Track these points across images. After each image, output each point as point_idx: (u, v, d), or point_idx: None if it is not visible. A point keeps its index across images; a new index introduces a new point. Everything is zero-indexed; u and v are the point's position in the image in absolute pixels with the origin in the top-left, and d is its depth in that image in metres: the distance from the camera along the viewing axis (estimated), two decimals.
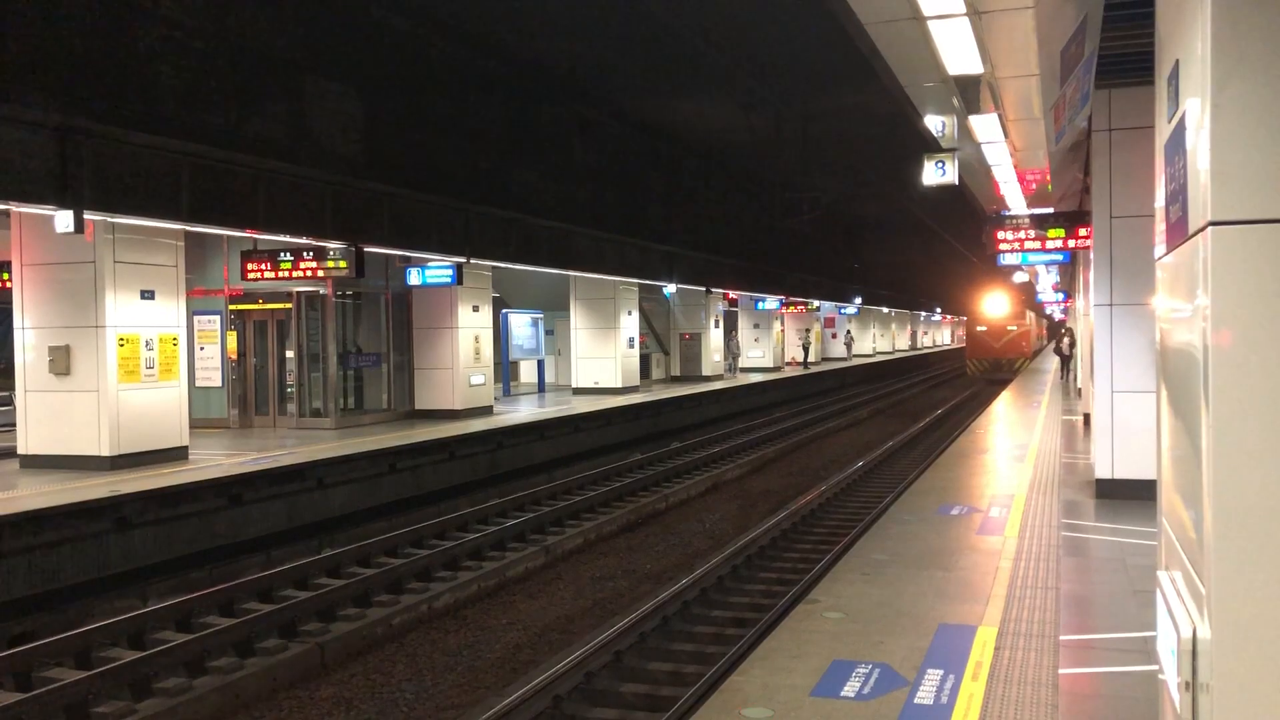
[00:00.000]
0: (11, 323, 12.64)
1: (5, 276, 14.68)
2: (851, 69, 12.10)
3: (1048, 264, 19.70)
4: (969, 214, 23.39)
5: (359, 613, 9.34)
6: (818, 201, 25.51)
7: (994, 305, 42.53)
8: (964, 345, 45.98)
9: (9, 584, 9.25)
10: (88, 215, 9.22)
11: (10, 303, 12.70)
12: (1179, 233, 2.68)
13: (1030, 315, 47.18)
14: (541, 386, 26.37)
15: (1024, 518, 8.96)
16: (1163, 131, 3.02)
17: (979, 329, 43.63)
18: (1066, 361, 30.58)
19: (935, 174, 10.10)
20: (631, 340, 25.63)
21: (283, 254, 14.46)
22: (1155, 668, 2.95)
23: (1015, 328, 42.65)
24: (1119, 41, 9.11)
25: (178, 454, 12.93)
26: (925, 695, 4.71)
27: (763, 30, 12.66)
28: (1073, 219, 14.35)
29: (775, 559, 11.39)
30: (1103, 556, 8.67)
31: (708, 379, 30.08)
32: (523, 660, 8.40)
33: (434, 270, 17.31)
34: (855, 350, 48.94)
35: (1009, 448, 13.71)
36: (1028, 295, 47.95)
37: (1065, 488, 11.16)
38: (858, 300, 42.10)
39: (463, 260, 15.86)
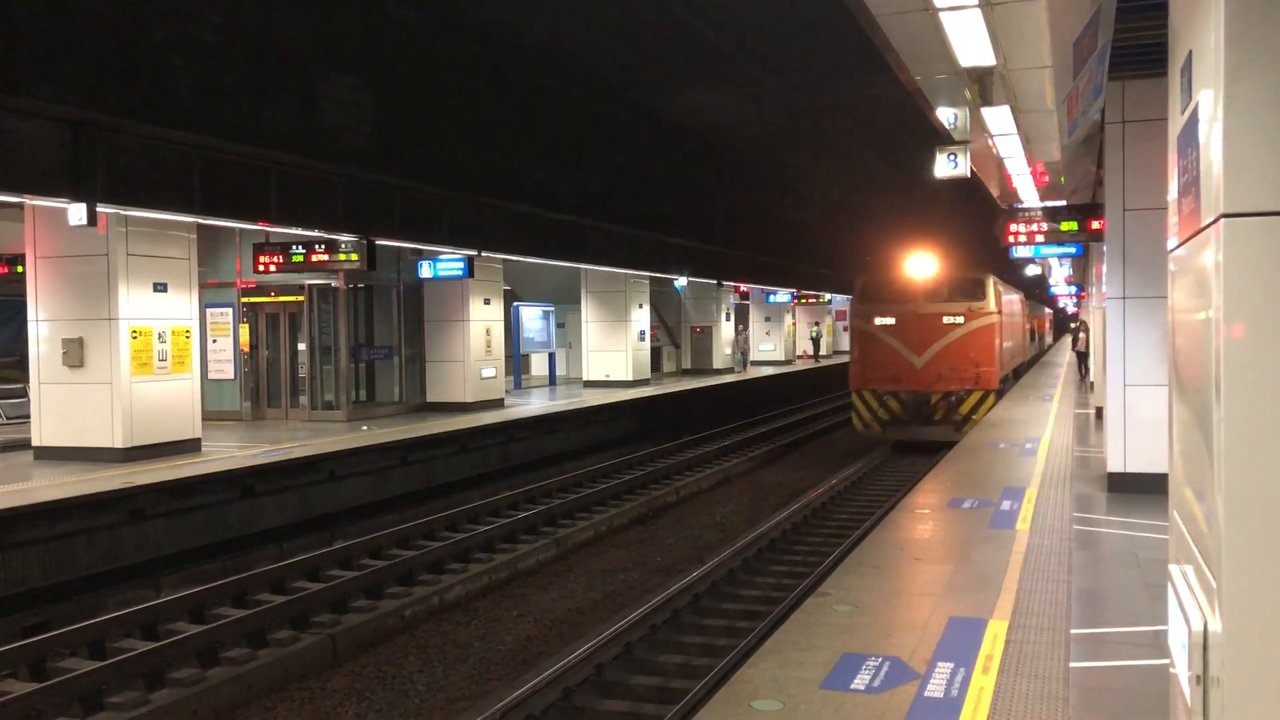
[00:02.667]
0: (25, 315, 12.72)
1: (19, 269, 14.76)
2: (863, 61, 12.04)
3: (1060, 257, 19.55)
4: (982, 207, 23.28)
5: (371, 604, 9.38)
6: (829, 194, 25.44)
7: (916, 265, 18.87)
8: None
9: (24, 574, 9.33)
10: (101, 208, 9.27)
11: (24, 295, 12.77)
12: (1191, 225, 2.66)
13: (1002, 292, 20.18)
14: (552, 379, 26.41)
15: (1036, 511, 8.92)
16: (1176, 123, 3.00)
17: (877, 322, 19.12)
18: (1083, 357, 30.26)
19: (947, 166, 10.02)
20: (642, 333, 25.63)
21: (294, 246, 14.49)
22: (1166, 661, 2.95)
23: (961, 319, 18.68)
24: (1132, 33, 9.06)
25: (190, 446, 12.99)
26: (935, 688, 4.70)
27: (775, 23, 12.61)
28: (1085, 211, 14.29)
29: (786, 552, 11.39)
30: (1114, 550, 8.64)
31: (719, 372, 30.06)
32: (534, 652, 8.43)
33: (445, 263, 17.33)
34: None
35: (1021, 441, 13.66)
36: (1007, 265, 24.79)
37: (1077, 481, 11.11)
38: None
39: (474, 253, 15.88)
